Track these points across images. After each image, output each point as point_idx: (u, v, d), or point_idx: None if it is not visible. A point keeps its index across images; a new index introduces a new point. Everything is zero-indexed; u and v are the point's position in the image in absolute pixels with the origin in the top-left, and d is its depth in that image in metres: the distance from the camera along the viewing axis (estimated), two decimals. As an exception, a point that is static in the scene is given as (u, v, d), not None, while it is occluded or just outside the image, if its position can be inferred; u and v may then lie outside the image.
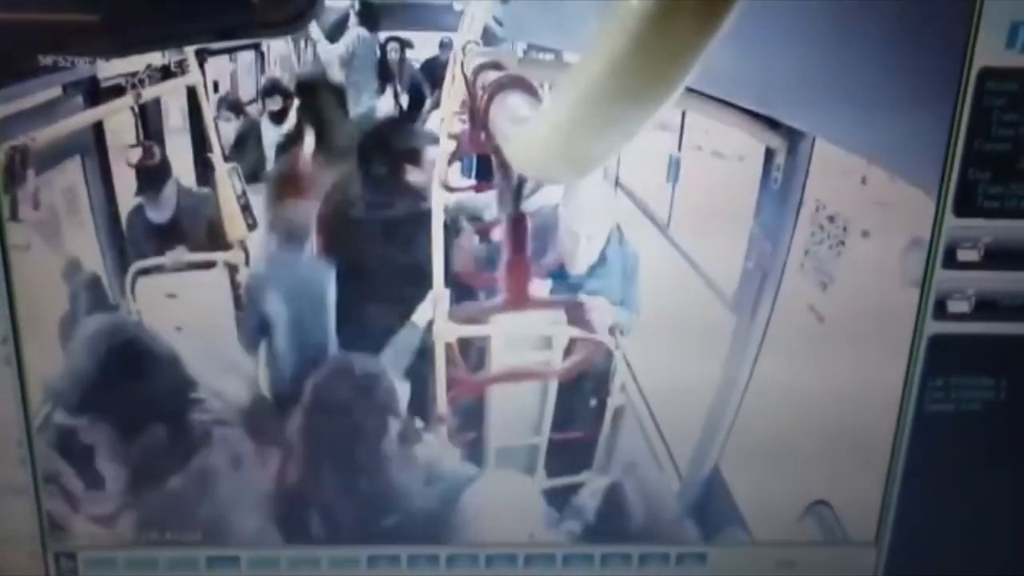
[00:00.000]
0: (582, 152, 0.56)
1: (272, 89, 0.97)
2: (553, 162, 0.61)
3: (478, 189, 0.92)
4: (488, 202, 0.93)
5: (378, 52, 0.96)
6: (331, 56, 0.95)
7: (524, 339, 0.93)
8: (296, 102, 0.96)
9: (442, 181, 0.93)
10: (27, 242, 0.73)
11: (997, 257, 0.77)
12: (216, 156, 0.93)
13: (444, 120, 0.91)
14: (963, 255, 0.77)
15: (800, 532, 0.88)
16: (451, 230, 0.94)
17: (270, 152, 0.99)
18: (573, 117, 0.53)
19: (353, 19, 0.91)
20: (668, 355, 0.86)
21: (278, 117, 0.98)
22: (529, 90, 0.75)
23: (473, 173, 0.94)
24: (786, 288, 0.90)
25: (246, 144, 0.98)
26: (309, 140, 0.95)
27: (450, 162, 0.93)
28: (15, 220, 0.72)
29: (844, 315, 0.84)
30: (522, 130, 0.65)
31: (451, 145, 0.91)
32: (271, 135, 0.98)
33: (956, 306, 0.79)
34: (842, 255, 0.85)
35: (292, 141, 0.95)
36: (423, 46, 0.94)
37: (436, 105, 0.96)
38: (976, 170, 0.74)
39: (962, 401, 0.82)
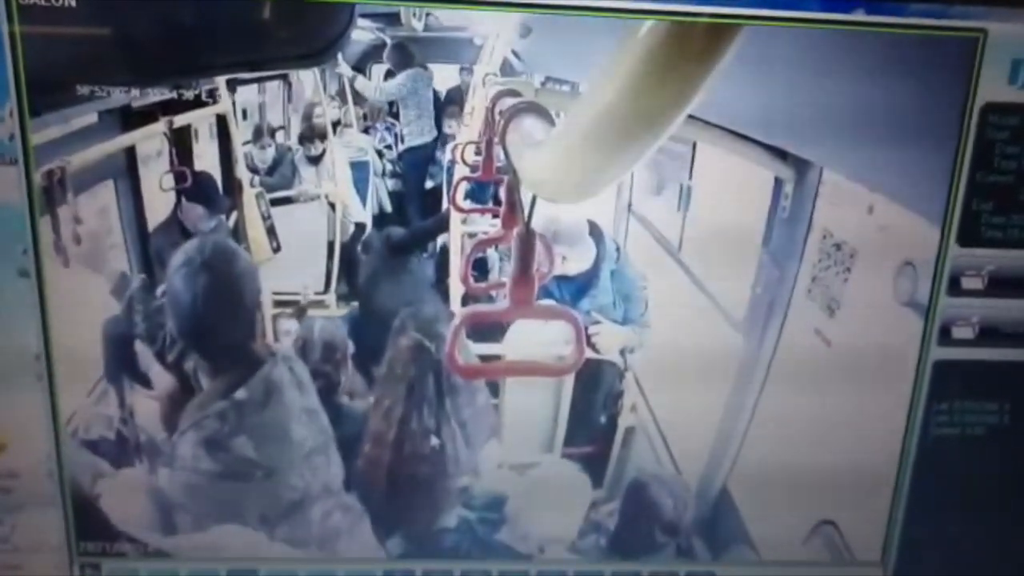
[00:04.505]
0: (591, 174, 0.58)
1: (310, 134, 1.00)
2: (564, 183, 0.63)
3: (494, 213, 0.94)
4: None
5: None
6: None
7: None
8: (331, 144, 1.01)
9: (458, 206, 0.95)
10: (61, 261, 0.76)
11: (1000, 285, 0.79)
12: (244, 181, 0.96)
13: (462, 149, 0.94)
14: (967, 283, 0.79)
15: (807, 552, 0.89)
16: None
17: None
18: (583, 140, 0.56)
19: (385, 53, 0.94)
20: (678, 377, 0.88)
21: (316, 160, 1.02)
22: (544, 116, 0.77)
23: (491, 200, 0.96)
24: (794, 313, 0.91)
25: (277, 171, 1.01)
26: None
27: (468, 188, 0.95)
28: (52, 239, 0.75)
29: (851, 340, 0.85)
30: (536, 152, 0.67)
31: (468, 172, 0.94)
32: (308, 172, 1.02)
33: (960, 332, 0.80)
34: (849, 282, 0.86)
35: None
36: (444, 78, 0.97)
37: (454, 135, 0.99)
38: (979, 201, 0.76)
39: (966, 425, 0.83)
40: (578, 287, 0.97)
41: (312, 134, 1.00)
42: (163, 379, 0.86)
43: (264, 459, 0.84)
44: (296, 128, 1.01)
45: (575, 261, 0.96)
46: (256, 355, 0.85)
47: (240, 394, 0.83)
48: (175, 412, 0.84)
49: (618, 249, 0.96)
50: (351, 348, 0.93)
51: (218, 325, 0.84)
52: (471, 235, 1.00)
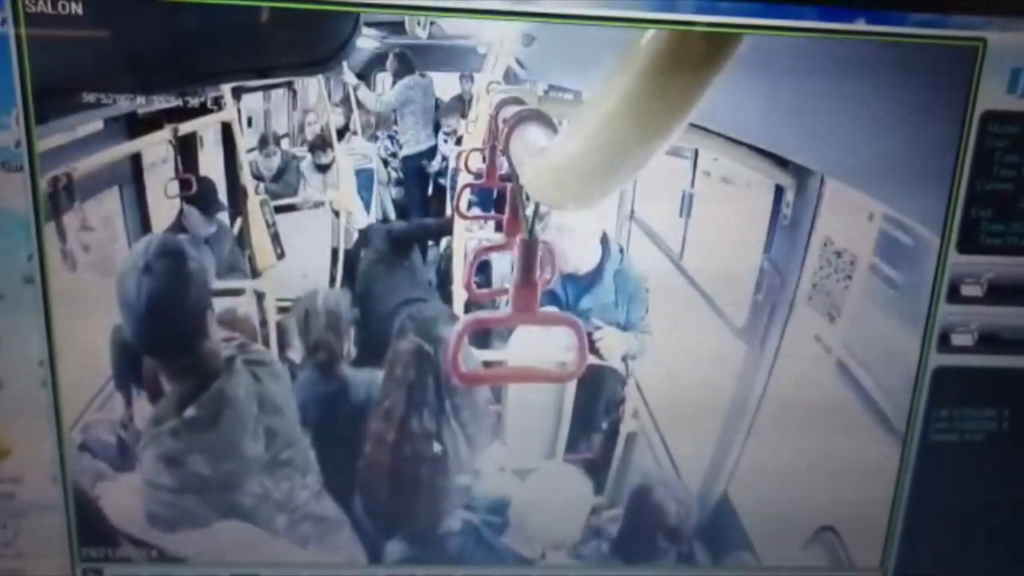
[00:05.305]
0: (594, 181, 0.59)
1: (320, 143, 1.01)
2: (567, 190, 0.64)
3: (497, 220, 0.94)
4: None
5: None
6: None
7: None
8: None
9: (462, 213, 0.96)
10: (66, 268, 0.76)
11: (999, 292, 0.79)
12: (249, 189, 0.96)
13: (466, 156, 0.94)
14: (966, 290, 0.79)
15: (807, 558, 0.89)
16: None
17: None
18: (586, 148, 0.56)
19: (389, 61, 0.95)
20: (680, 383, 0.88)
21: (325, 168, 1.02)
22: (548, 124, 0.78)
23: (493, 206, 0.97)
24: (795, 319, 0.92)
25: (282, 178, 1.02)
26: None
27: (471, 195, 0.95)
28: (58, 245, 0.75)
29: (851, 346, 0.85)
30: (539, 160, 0.68)
31: (472, 180, 0.94)
32: (315, 179, 1.03)
33: (960, 339, 0.81)
34: (849, 289, 0.86)
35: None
36: (447, 86, 0.97)
37: (458, 141, 1.00)
38: (979, 209, 0.77)
39: (966, 431, 0.83)
40: (582, 287, 0.97)
41: (322, 143, 1.01)
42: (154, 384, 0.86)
43: (254, 461, 0.84)
44: (301, 136, 1.02)
45: (580, 259, 0.96)
46: (214, 361, 0.83)
47: (204, 398, 0.82)
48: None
49: (622, 251, 0.97)
50: (354, 352, 0.94)
51: (167, 327, 0.81)
52: (475, 240, 1.00)
